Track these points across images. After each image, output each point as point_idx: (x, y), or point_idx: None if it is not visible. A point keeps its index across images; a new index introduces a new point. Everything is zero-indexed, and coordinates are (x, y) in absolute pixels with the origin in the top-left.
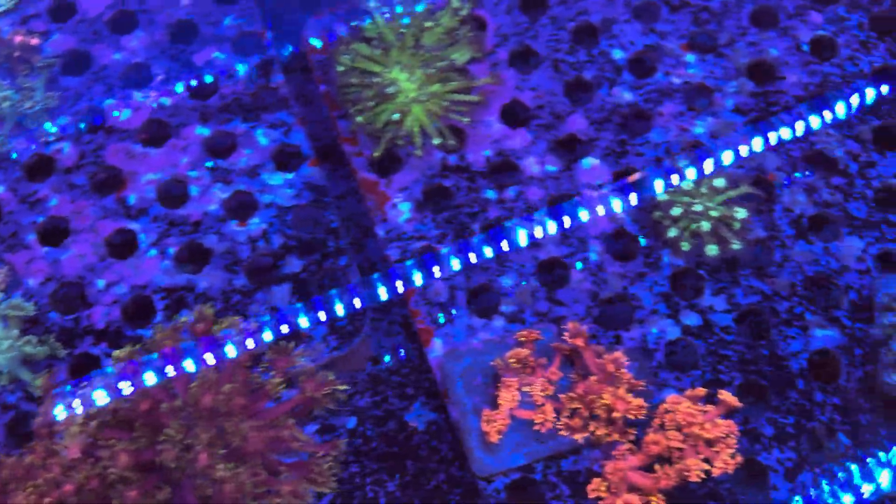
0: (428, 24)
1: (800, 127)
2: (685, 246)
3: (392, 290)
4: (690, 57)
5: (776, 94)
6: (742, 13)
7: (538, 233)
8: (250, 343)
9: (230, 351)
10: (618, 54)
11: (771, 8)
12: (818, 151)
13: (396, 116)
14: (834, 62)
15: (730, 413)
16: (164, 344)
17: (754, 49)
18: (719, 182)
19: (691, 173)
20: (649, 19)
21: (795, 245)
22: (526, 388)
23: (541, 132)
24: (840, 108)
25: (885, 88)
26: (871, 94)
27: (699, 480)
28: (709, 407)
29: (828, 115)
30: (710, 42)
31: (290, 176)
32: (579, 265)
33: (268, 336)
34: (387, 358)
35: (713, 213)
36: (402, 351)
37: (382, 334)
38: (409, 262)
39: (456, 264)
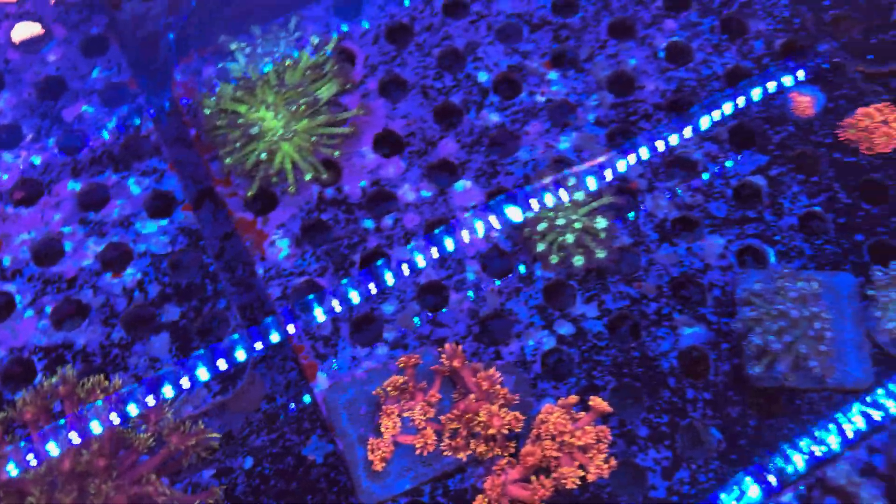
0: (288, 62)
1: (673, 139)
2: (554, 259)
3: (280, 331)
4: (553, 74)
5: (635, 103)
6: (601, 27)
7: (420, 262)
8: (132, 409)
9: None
10: (483, 77)
11: (628, 19)
12: (678, 157)
13: (264, 156)
14: (689, 67)
15: (603, 418)
16: (27, 410)
17: (614, 61)
18: (579, 195)
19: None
20: (512, 40)
21: (660, 248)
22: (407, 414)
23: (414, 159)
24: (705, 121)
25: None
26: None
27: (577, 487)
28: (582, 414)
29: (698, 125)
30: (571, 58)
31: (164, 223)
32: (471, 294)
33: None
34: (293, 404)
35: (577, 226)
36: (305, 398)
37: (276, 371)
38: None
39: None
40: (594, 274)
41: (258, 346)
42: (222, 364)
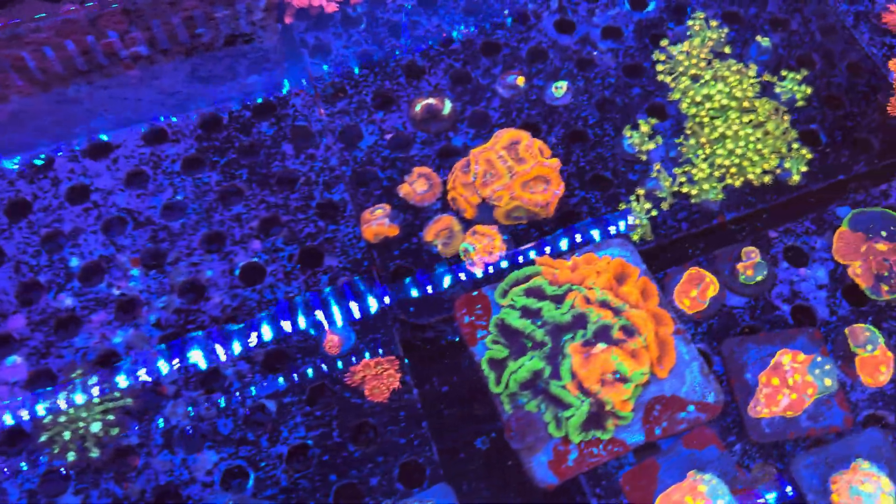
0: None
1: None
2: (55, 450)
3: None
4: (136, 271)
5: (197, 312)
6: (196, 235)
7: None
8: None
9: None
10: (74, 262)
11: (221, 233)
12: (213, 370)
13: None
14: (256, 288)
15: None
16: None
17: (193, 269)
18: (96, 399)
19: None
20: (114, 232)
21: (160, 455)
22: None
23: None
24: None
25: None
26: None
27: None
28: None
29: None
30: (156, 259)
31: None
32: None
33: None
34: None
35: (79, 425)
36: None
37: None
38: None
39: None
40: (91, 469)
41: None
42: None
